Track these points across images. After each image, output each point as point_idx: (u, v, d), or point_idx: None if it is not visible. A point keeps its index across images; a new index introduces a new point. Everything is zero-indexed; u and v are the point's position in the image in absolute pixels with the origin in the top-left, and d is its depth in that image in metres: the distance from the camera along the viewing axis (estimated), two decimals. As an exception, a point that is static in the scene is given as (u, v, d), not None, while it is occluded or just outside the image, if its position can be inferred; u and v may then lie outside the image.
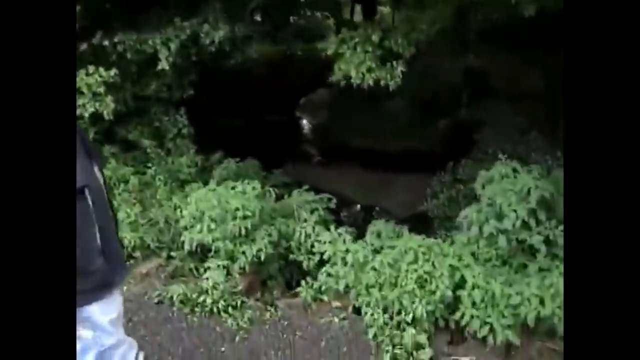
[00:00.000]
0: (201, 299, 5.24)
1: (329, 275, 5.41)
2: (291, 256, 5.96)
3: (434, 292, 4.95)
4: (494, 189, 5.69)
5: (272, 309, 5.35)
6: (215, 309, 5.15)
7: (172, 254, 6.10)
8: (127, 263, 3.17)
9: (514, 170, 5.93)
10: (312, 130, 17.06)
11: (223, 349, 4.73)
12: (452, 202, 8.47)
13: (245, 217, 5.77)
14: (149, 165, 8.45)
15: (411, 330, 4.84)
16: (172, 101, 9.32)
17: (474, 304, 4.97)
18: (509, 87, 11.35)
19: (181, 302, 5.27)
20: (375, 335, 4.85)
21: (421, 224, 8.07)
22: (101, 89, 7.41)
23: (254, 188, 6.26)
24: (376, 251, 5.62)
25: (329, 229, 6.23)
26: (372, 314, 4.96)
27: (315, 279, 5.60)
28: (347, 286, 5.24)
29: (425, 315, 4.86)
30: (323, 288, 5.44)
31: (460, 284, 5.12)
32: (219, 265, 5.53)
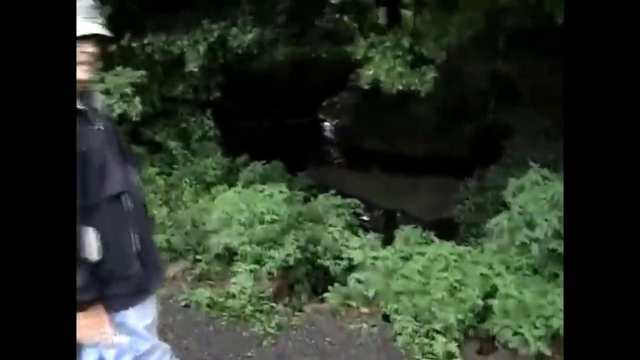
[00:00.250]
0: (229, 303, 5.21)
1: (358, 281, 5.35)
2: (318, 261, 5.92)
3: (464, 301, 4.88)
4: (525, 197, 5.60)
5: (301, 314, 5.30)
6: (242, 314, 5.11)
7: (199, 257, 6.07)
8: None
9: (544, 177, 5.85)
10: (335, 132, 17.05)
11: (250, 353, 4.69)
12: (479, 209, 8.41)
13: (273, 221, 5.74)
14: (175, 166, 8.47)
15: (441, 339, 4.77)
16: (198, 103, 9.37)
17: (505, 313, 4.89)
18: (538, 94, 11.24)
19: (208, 305, 5.24)
20: (404, 343, 4.79)
21: (446, 230, 8.01)
22: (129, 90, 7.43)
23: (281, 191, 6.24)
24: (405, 258, 5.56)
25: (356, 234, 6.20)
26: (401, 322, 4.90)
27: (343, 284, 5.55)
28: (376, 293, 5.18)
29: (455, 323, 4.79)
30: (351, 294, 5.39)
31: (491, 293, 5.05)
32: (246, 270, 5.49)
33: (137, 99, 7.52)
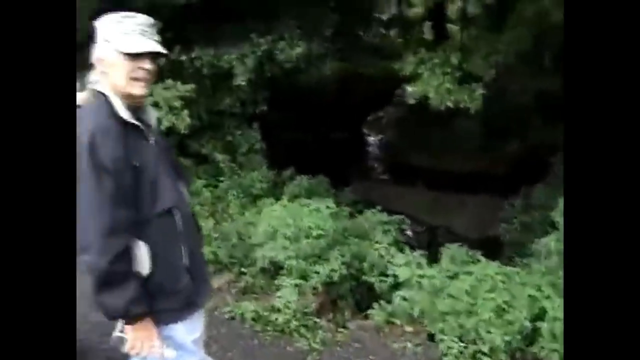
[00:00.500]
0: (273, 317, 5.20)
1: (403, 299, 5.30)
2: (363, 277, 5.88)
3: (512, 322, 4.78)
4: (575, 218, 5.48)
5: (344, 330, 5.26)
6: (287, 328, 5.09)
7: (244, 269, 6.09)
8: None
9: (593, 197, 5.71)
10: (380, 147, 17.00)
11: (294, 369, 4.67)
12: (525, 228, 8.26)
13: (319, 237, 5.73)
14: (221, 178, 8.53)
15: (487, 361, 4.69)
16: (245, 116, 9.43)
17: (553, 336, 4.77)
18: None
19: (253, 319, 5.25)
20: (450, 364, 4.71)
21: (491, 248, 7.88)
22: (177, 104, 7.52)
23: (328, 207, 6.24)
24: (451, 277, 5.49)
25: (402, 251, 6.14)
26: (447, 342, 4.83)
27: (387, 301, 5.50)
28: (421, 311, 5.12)
29: (502, 345, 4.70)
30: (396, 312, 5.33)
31: (539, 315, 4.94)
32: (291, 284, 5.49)
33: (186, 112, 7.61)
